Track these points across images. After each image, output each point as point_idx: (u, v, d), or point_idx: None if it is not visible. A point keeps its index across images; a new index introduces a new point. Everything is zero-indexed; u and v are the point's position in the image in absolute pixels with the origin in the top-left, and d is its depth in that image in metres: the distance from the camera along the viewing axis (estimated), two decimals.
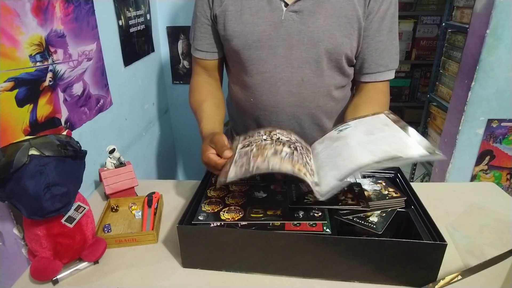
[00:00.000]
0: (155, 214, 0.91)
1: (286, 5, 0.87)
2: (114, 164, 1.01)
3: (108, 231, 0.86)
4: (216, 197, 0.83)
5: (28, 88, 0.80)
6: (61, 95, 0.93)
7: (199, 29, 0.98)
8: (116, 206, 0.96)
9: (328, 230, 0.70)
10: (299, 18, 0.87)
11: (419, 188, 0.85)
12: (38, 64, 0.83)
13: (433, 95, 2.26)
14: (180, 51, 1.72)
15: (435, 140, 2.25)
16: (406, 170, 2.70)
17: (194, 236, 0.73)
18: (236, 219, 0.75)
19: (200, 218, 0.75)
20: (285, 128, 0.84)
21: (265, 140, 0.75)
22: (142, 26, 1.47)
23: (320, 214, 0.74)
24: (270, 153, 0.69)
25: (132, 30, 1.37)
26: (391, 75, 0.95)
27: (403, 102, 3.67)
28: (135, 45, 1.41)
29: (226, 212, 0.77)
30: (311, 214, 0.75)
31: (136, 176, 1.02)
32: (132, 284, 0.73)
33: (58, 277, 0.73)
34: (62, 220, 0.72)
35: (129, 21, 1.35)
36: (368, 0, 0.87)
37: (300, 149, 0.75)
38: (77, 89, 1.01)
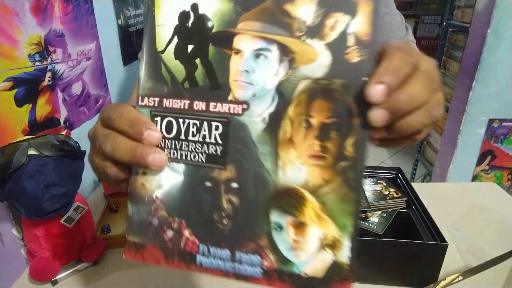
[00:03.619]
0: None
1: None
2: None
3: (107, 232, 0.86)
4: None
5: (27, 88, 0.80)
6: (60, 95, 0.93)
7: None
8: (116, 207, 0.96)
9: None
10: None
11: (420, 188, 0.85)
12: (37, 63, 0.83)
13: None
14: None
15: (436, 140, 2.25)
16: (407, 170, 2.70)
17: None
18: None
19: None
20: None
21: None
22: (142, 25, 1.46)
23: None
24: None
25: (131, 29, 1.37)
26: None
27: None
28: (134, 44, 1.40)
29: None
30: None
31: None
32: (131, 285, 0.73)
33: (57, 277, 0.73)
34: (61, 221, 0.72)
35: (129, 21, 1.34)
36: None
37: None
38: (76, 88, 1.00)
